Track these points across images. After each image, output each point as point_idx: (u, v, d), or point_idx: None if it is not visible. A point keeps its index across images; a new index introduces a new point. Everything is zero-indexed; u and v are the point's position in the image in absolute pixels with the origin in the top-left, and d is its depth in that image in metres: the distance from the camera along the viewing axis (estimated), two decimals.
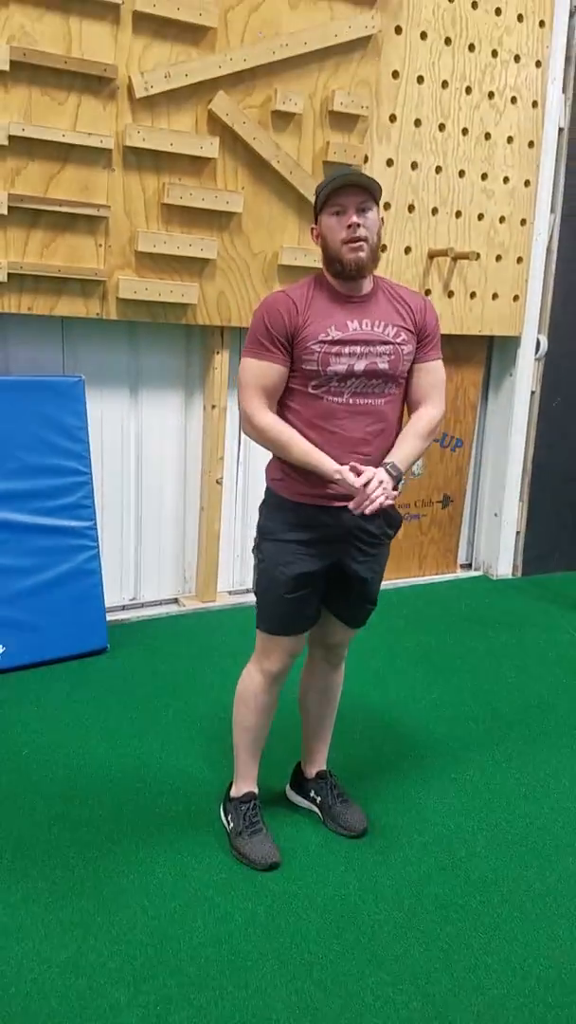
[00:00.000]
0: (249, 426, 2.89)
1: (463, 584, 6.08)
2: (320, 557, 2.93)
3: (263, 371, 2.83)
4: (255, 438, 2.91)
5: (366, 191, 2.76)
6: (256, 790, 3.22)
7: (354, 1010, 2.47)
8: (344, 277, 2.80)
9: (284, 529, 2.94)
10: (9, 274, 4.13)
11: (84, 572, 4.50)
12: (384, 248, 5.11)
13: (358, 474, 2.73)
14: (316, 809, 3.34)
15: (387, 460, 2.86)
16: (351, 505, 2.75)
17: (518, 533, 6.23)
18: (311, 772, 3.39)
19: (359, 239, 2.73)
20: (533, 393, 5.99)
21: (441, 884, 2.98)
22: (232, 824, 3.16)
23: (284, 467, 2.93)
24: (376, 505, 2.70)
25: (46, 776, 3.49)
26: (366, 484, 2.71)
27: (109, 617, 4.80)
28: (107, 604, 4.75)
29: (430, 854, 3.13)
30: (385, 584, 5.70)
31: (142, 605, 5.20)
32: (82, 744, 3.73)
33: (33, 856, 3.02)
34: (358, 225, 2.74)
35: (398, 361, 2.85)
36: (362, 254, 2.75)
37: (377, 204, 2.81)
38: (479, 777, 3.63)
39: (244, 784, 3.22)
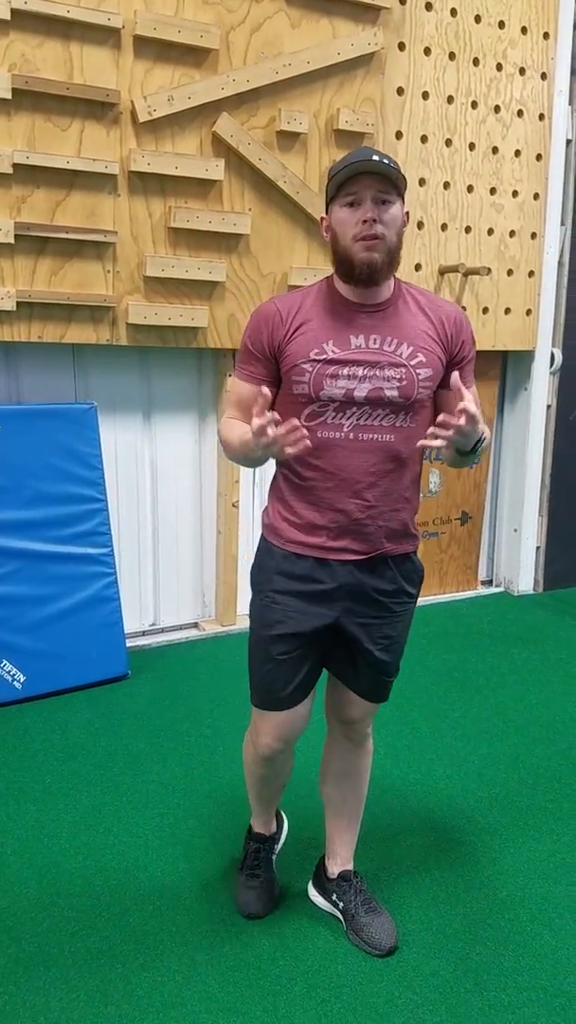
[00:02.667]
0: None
1: (484, 601, 6.04)
2: (313, 616, 2.51)
3: (240, 390, 2.50)
4: (225, 451, 2.53)
5: (388, 180, 2.31)
6: (269, 833, 3.00)
7: None
8: (354, 281, 2.37)
9: (272, 581, 2.54)
10: (18, 302, 4.13)
11: (103, 599, 4.48)
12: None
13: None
14: (339, 916, 2.85)
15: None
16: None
17: (538, 548, 6.18)
18: (333, 870, 2.91)
19: (375, 236, 2.30)
20: (549, 407, 5.96)
21: (469, 903, 2.93)
22: (241, 855, 3.03)
23: (276, 510, 2.57)
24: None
25: (70, 805, 3.47)
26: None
27: (129, 643, 4.79)
28: (127, 630, 4.73)
29: (457, 873, 3.08)
30: None
31: (162, 630, 5.18)
32: (106, 772, 3.70)
33: (59, 885, 3.00)
34: (374, 220, 2.29)
35: (411, 387, 2.39)
36: (376, 255, 2.31)
37: (401, 197, 2.36)
38: (504, 794, 3.59)
39: (256, 823, 2.99)
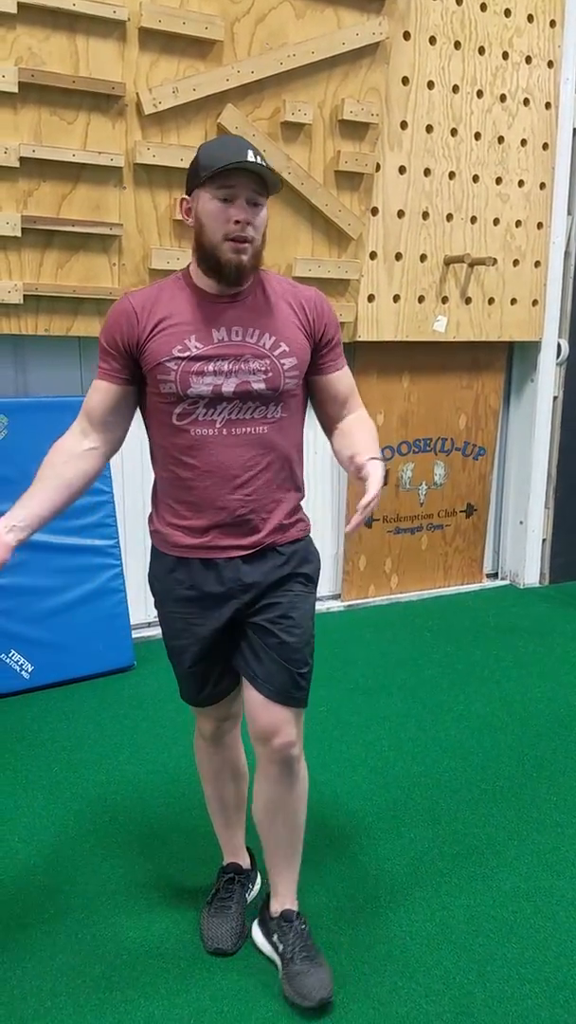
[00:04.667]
0: None
1: (490, 594, 6.04)
2: (208, 621, 2.47)
3: (96, 388, 2.43)
4: None
5: (262, 182, 2.26)
6: (242, 862, 2.88)
7: (387, 1022, 2.43)
8: (219, 278, 2.31)
9: (169, 589, 2.50)
10: (25, 295, 4.15)
11: (109, 590, 4.50)
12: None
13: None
14: (276, 960, 2.63)
15: (364, 456, 2.38)
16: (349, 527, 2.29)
17: (544, 540, 6.17)
18: (276, 908, 2.67)
19: (245, 240, 2.26)
20: (556, 398, 5.95)
21: (472, 894, 2.94)
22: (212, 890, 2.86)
23: (160, 515, 2.50)
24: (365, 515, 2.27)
25: (77, 794, 3.49)
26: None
27: (135, 634, 4.80)
28: (132, 621, 4.74)
29: (460, 865, 3.09)
30: (411, 595, 5.77)
31: None
32: (111, 761, 3.72)
33: (66, 872, 3.02)
34: (247, 223, 2.25)
35: (277, 379, 2.35)
36: (244, 257, 2.27)
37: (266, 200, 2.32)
38: (508, 787, 3.59)
39: (226, 854, 2.88)
